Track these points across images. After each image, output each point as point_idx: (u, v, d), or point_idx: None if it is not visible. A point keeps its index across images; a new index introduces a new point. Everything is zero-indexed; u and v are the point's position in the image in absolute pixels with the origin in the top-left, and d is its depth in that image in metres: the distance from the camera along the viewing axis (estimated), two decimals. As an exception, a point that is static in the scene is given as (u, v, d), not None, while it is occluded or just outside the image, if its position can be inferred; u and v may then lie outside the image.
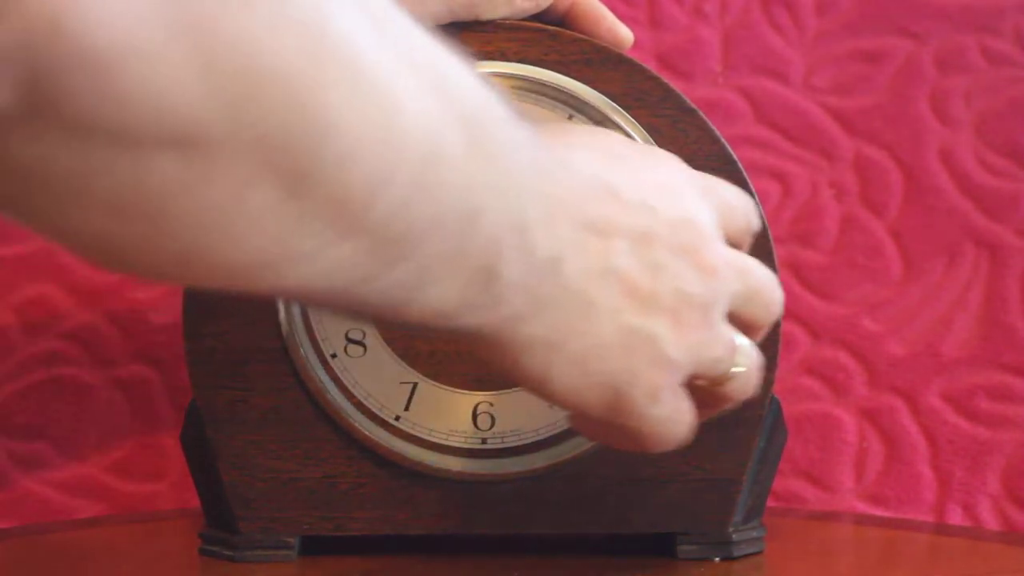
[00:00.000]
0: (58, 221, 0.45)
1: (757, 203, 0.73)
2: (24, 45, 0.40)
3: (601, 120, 0.72)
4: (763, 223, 0.74)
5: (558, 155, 0.56)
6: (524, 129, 0.54)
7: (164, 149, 0.43)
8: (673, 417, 0.60)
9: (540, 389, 0.58)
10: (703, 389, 0.61)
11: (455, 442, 0.74)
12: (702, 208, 0.60)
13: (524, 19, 0.73)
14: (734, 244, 0.62)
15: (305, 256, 0.48)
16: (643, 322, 0.57)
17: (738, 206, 0.63)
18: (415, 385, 0.74)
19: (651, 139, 0.73)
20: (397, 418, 0.74)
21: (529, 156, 0.54)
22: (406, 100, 0.47)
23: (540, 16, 0.73)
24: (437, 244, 0.51)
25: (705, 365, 0.60)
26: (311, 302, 0.52)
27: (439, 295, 0.52)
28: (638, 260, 0.57)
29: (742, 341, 0.61)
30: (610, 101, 0.72)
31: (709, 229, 0.60)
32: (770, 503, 0.77)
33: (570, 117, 0.73)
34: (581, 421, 0.64)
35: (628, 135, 0.72)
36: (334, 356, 0.73)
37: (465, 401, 0.74)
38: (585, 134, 0.62)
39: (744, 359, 0.61)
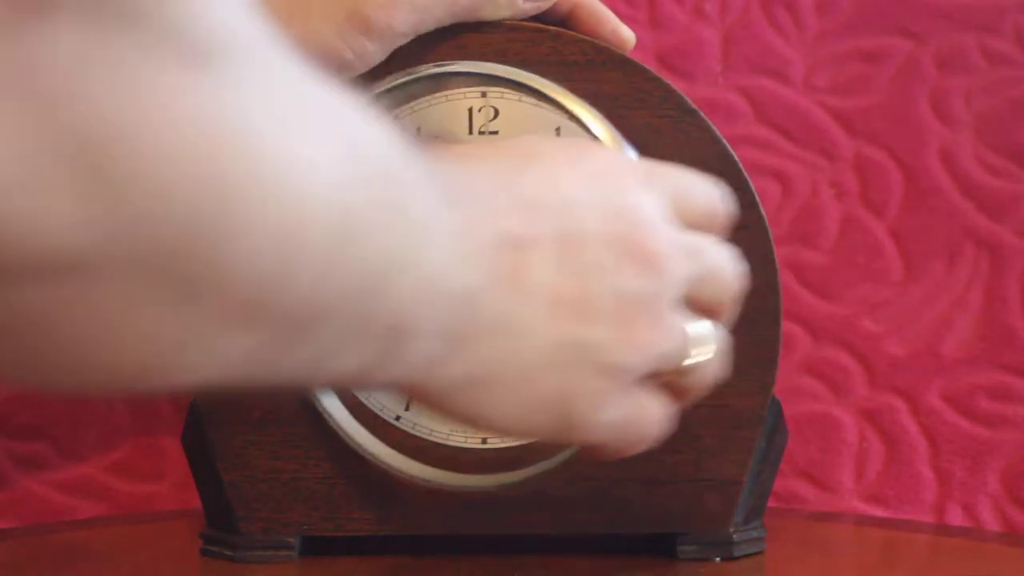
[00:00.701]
0: None
1: (756, 201, 0.73)
2: None
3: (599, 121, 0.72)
4: (764, 222, 0.74)
5: (463, 177, 0.53)
6: (427, 163, 0.50)
7: (39, 278, 0.40)
8: (633, 419, 0.57)
9: (479, 425, 0.55)
10: (666, 383, 0.58)
11: (456, 442, 0.74)
12: (643, 193, 0.57)
13: (526, 20, 0.73)
14: (699, 228, 0.59)
15: (203, 356, 0.44)
16: (578, 332, 0.54)
17: (694, 189, 0.60)
18: (416, 385, 0.74)
19: (645, 140, 0.73)
20: (398, 418, 0.74)
21: (436, 192, 0.50)
22: (313, 182, 0.44)
23: (542, 17, 0.73)
24: (343, 319, 0.47)
25: (659, 361, 0.56)
26: (205, 391, 0.49)
27: (345, 364, 0.49)
28: (565, 267, 0.54)
29: (698, 329, 0.58)
30: (612, 102, 0.72)
31: (652, 214, 0.56)
32: (770, 503, 0.77)
33: (571, 118, 0.73)
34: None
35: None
36: (335, 356, 0.73)
37: (466, 401, 0.74)
38: (489, 144, 0.59)
39: (702, 347, 0.58)
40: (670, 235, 0.57)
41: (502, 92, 0.73)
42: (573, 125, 0.73)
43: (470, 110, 0.73)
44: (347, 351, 0.48)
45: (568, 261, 0.54)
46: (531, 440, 0.58)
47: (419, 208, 0.49)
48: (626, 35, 0.74)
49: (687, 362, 0.58)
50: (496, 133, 0.73)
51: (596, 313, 0.54)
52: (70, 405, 0.93)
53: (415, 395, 0.54)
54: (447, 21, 0.72)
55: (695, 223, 0.59)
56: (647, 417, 0.57)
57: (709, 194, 0.60)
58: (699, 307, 0.58)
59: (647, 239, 0.55)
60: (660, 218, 0.56)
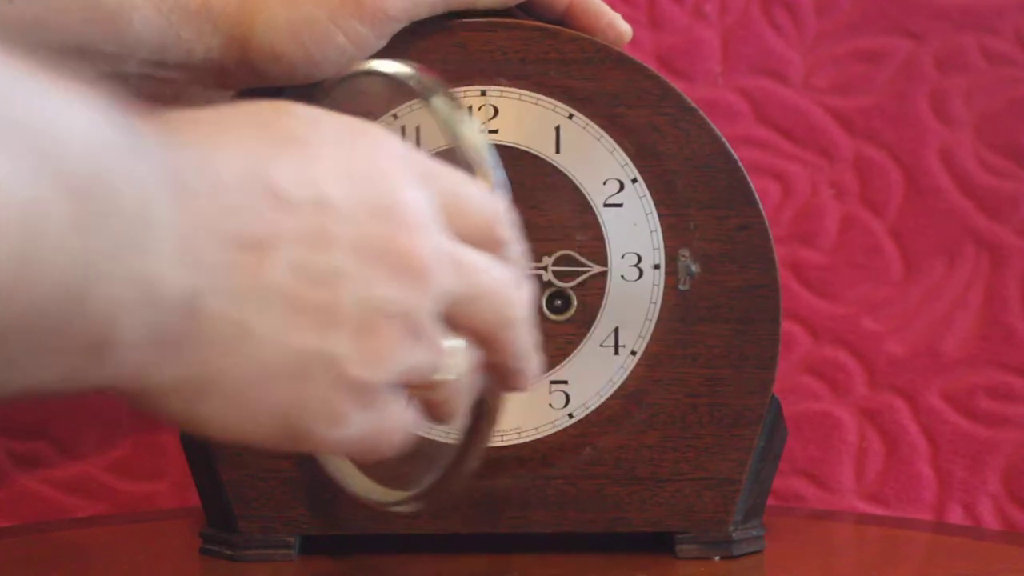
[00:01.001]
0: None
1: (756, 200, 0.73)
2: None
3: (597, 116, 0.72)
4: (764, 222, 0.74)
5: (202, 163, 0.48)
6: (157, 151, 0.46)
7: None
8: (371, 434, 0.52)
9: (195, 430, 0.50)
10: (415, 394, 0.54)
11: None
12: (414, 194, 0.52)
13: (523, 16, 0.73)
14: (475, 244, 0.54)
15: None
16: (316, 342, 0.50)
17: (473, 199, 0.55)
18: (415, 384, 0.74)
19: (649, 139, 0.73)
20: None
21: (160, 187, 0.46)
22: None
23: (540, 14, 0.73)
24: (31, 337, 0.43)
25: (406, 375, 0.52)
26: None
27: (38, 377, 0.45)
28: (306, 272, 0.49)
29: (453, 345, 0.54)
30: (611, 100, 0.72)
31: (420, 218, 0.52)
32: (770, 502, 0.77)
33: (570, 116, 0.73)
34: None
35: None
36: (334, 355, 0.73)
37: (465, 400, 0.74)
38: (250, 116, 0.53)
39: (454, 366, 0.54)
40: (437, 243, 0.52)
41: (501, 91, 0.73)
42: (572, 124, 0.73)
43: (469, 109, 0.73)
44: (39, 366, 0.44)
45: (311, 265, 0.50)
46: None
47: (134, 210, 0.45)
48: (623, 28, 0.73)
49: (437, 377, 0.54)
50: (496, 132, 0.73)
51: (339, 322, 0.50)
52: (70, 404, 0.93)
53: (126, 397, 0.49)
54: (440, 8, 0.71)
55: (471, 237, 0.54)
56: (388, 430, 0.53)
57: (489, 208, 0.56)
58: (464, 329, 0.54)
59: (408, 244, 0.51)
60: (429, 222, 0.52)
